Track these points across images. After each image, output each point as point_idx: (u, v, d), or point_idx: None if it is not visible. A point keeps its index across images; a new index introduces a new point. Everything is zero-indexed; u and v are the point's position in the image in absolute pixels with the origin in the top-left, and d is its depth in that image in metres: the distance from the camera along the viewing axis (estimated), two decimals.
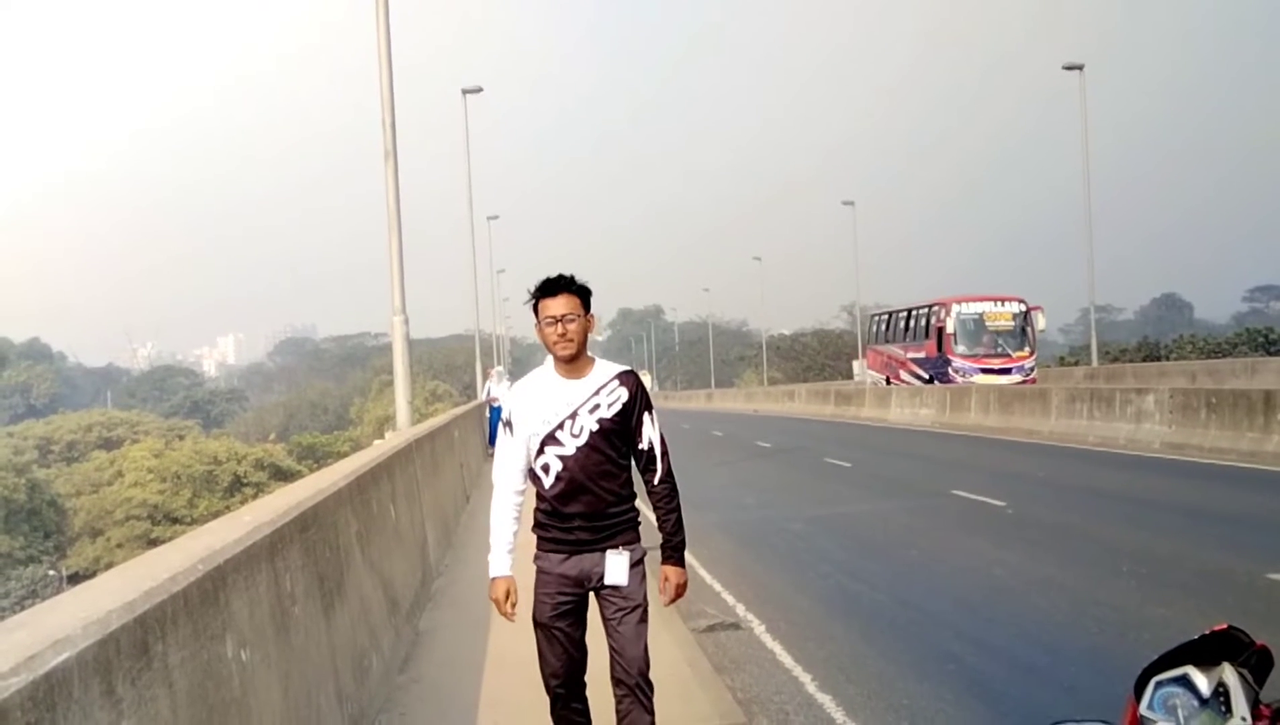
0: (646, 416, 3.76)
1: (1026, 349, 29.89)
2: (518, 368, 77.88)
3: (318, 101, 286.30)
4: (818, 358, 76.15)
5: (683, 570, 3.85)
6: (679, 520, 3.84)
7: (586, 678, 3.91)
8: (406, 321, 12.78)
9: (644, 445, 3.77)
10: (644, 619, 3.77)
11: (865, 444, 22.72)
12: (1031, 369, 29.79)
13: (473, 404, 25.38)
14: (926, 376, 31.58)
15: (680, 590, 3.85)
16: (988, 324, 29.99)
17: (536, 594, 3.79)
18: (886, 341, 36.35)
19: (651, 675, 3.79)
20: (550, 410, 3.70)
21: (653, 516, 3.90)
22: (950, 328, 29.88)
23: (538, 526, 3.81)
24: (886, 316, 37.51)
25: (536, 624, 3.80)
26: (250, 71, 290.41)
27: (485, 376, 22.96)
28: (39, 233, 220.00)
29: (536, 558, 3.82)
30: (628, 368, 3.86)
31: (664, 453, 3.83)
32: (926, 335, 32.01)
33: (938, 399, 27.21)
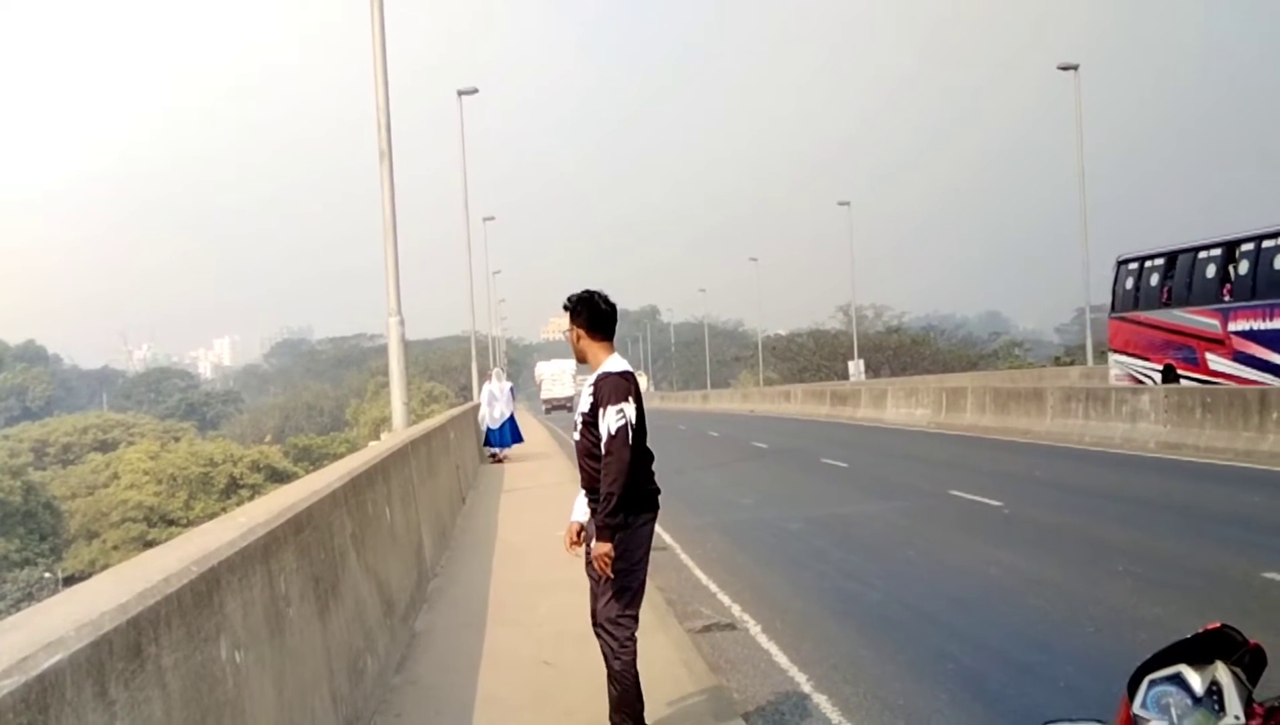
0: (601, 412, 4.39)
1: None
2: (513, 369, 77.97)
3: (314, 103, 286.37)
4: (814, 358, 76.02)
5: (601, 544, 4.34)
6: (603, 500, 4.35)
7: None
8: (402, 323, 12.77)
9: (601, 436, 4.40)
10: (606, 580, 4.39)
11: (862, 445, 22.72)
12: None
13: (469, 405, 25.34)
14: None
15: (591, 559, 4.42)
16: None
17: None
18: (1165, 304, 20.21)
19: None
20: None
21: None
22: None
23: None
24: (1164, 260, 20.56)
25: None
26: (246, 73, 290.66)
27: (484, 378, 22.77)
28: (35, 234, 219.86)
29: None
30: (616, 371, 4.43)
31: (609, 444, 4.34)
32: None
33: (933, 399, 27.18)
